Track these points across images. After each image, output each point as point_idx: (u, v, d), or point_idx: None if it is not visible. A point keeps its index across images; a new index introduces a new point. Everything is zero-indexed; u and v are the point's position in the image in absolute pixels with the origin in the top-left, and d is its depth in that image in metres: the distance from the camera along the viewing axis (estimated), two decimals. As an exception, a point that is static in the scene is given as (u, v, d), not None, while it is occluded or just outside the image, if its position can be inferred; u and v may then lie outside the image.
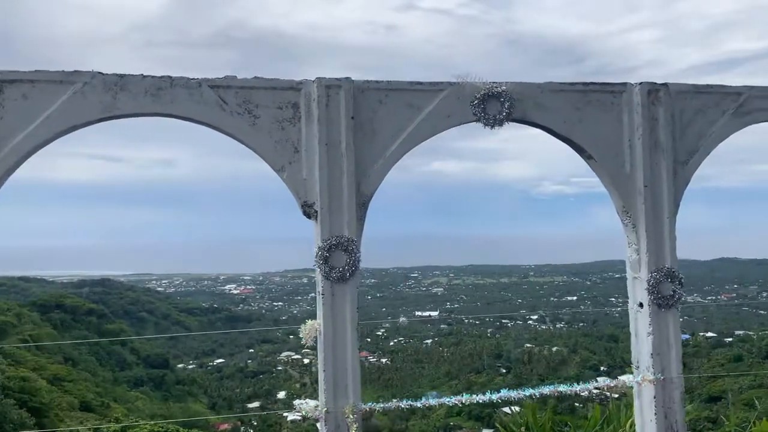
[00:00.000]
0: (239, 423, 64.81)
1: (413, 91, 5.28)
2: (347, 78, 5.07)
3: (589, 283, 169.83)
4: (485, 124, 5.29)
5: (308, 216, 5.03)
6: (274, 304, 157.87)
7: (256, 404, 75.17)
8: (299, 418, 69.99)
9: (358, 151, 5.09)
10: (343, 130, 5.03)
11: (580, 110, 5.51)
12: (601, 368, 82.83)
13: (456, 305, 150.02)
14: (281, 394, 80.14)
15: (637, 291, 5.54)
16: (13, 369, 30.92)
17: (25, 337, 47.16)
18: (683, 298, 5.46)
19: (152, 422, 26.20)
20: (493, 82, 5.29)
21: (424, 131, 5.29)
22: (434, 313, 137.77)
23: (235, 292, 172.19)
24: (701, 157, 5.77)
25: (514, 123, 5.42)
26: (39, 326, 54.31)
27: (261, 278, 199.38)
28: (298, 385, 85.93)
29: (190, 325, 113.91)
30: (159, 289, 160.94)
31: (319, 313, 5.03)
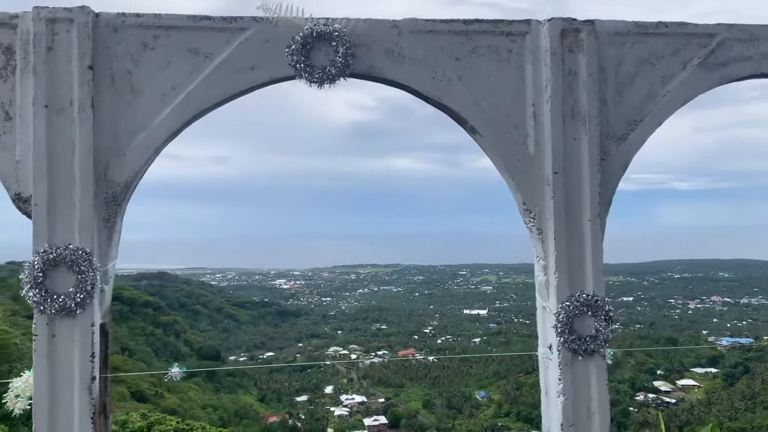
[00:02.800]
0: (287, 415, 65.96)
1: (197, 31, 3.61)
2: (83, 7, 3.48)
3: (646, 283, 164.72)
4: (309, 81, 3.60)
5: (27, 214, 3.48)
6: (323, 299, 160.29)
7: (304, 398, 76.34)
8: (346, 413, 70.59)
9: (105, 118, 3.52)
10: (76, 86, 3.44)
11: (460, 61, 3.86)
12: (658, 372, 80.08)
13: (505, 304, 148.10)
14: (329, 389, 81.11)
15: (548, 327, 3.91)
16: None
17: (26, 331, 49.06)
18: (608, 339, 3.85)
19: (178, 419, 26.66)
20: (322, 18, 3.64)
21: (217, 90, 3.64)
22: (483, 312, 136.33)
23: (285, 286, 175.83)
24: (649, 129, 4.03)
25: (356, 79, 3.81)
26: (98, 317, 56.43)
27: (310, 273, 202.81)
28: (345, 380, 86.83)
29: (242, 318, 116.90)
30: (213, 282, 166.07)
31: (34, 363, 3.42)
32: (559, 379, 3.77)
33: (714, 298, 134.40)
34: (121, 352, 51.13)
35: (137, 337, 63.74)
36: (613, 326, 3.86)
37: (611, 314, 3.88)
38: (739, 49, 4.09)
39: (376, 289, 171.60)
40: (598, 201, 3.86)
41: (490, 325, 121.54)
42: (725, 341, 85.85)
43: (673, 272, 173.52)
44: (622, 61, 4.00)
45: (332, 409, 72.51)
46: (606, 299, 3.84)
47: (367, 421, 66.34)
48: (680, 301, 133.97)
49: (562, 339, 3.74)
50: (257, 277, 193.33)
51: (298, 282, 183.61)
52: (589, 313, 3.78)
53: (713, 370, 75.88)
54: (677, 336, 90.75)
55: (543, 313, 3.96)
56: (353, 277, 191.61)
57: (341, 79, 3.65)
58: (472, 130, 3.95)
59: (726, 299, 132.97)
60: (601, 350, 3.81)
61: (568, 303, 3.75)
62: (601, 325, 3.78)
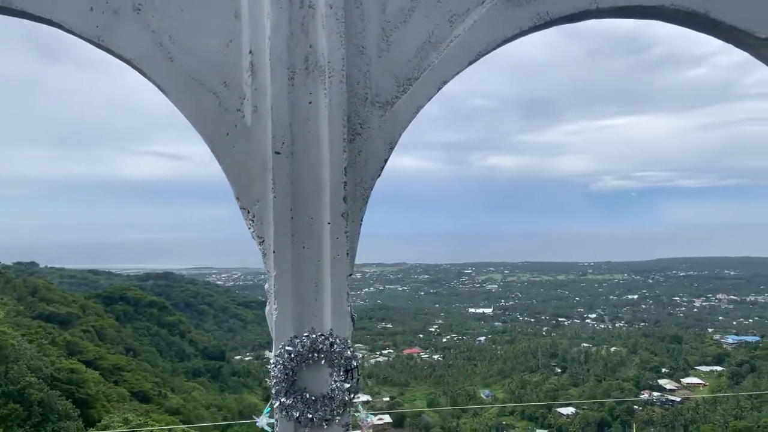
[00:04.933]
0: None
1: None
2: None
3: (651, 281, 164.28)
4: None
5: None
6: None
7: (309, 397, 76.37)
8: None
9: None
10: None
11: None
12: (663, 370, 79.86)
13: (510, 302, 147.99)
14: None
15: None
16: (63, 361, 32.24)
17: (88, 328, 49.41)
18: (351, 401, 2.62)
19: (162, 426, 26.79)
20: None
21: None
22: (488, 310, 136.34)
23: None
24: (428, 90, 2.82)
25: None
26: (102, 317, 56.87)
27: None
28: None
29: (247, 317, 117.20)
30: (219, 282, 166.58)
31: None
32: None
33: (720, 295, 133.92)
34: (126, 352, 51.41)
35: (142, 338, 64.05)
36: (356, 380, 2.61)
37: (355, 362, 2.62)
38: None
39: (381, 288, 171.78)
40: (344, 195, 2.65)
41: (495, 323, 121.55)
42: (731, 339, 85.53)
43: (679, 270, 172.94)
44: None
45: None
46: (348, 341, 2.63)
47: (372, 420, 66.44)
48: (685, 299, 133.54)
49: (279, 402, 2.57)
50: (263, 276, 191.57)
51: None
52: (323, 361, 2.59)
53: (719, 368, 75.61)
54: (682, 334, 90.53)
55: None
56: (359, 276, 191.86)
57: None
58: (160, 89, 2.75)
59: (732, 297, 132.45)
60: (340, 419, 2.60)
61: (289, 348, 2.57)
62: (338, 381, 2.58)
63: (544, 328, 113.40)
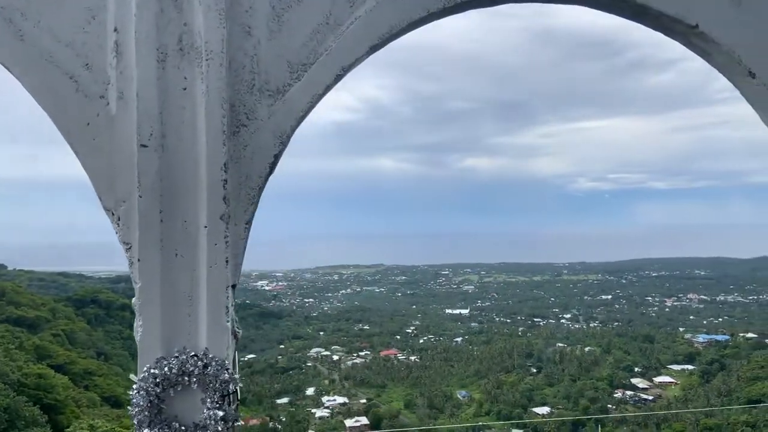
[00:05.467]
0: (268, 418, 65.41)
1: None
2: None
3: (624, 281, 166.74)
4: None
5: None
6: (305, 300, 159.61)
7: (285, 400, 75.81)
8: (328, 414, 70.23)
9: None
10: None
11: None
12: (635, 369, 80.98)
13: (487, 303, 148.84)
14: (310, 390, 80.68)
15: None
16: (31, 366, 31.44)
17: (57, 332, 48.22)
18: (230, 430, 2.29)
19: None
20: None
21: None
22: (465, 311, 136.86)
23: (267, 288, 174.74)
24: (325, 78, 2.49)
25: None
26: (73, 321, 55.58)
27: (292, 275, 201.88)
28: (326, 382, 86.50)
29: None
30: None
31: None
32: None
33: (690, 295, 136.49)
34: (97, 356, 50.29)
35: (114, 341, 62.74)
36: (234, 407, 2.30)
37: (234, 386, 2.29)
38: None
39: (358, 289, 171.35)
40: (225, 195, 2.29)
41: (472, 324, 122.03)
42: (702, 338, 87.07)
43: (651, 270, 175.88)
44: None
45: (313, 410, 72.16)
46: (228, 362, 2.30)
47: (349, 423, 66.11)
48: (657, 299, 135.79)
49: None
50: (244, 278, 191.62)
51: (280, 283, 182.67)
52: (195, 386, 2.26)
53: (690, 367, 76.91)
54: (654, 334, 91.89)
55: None
56: (336, 278, 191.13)
57: None
58: (11, 73, 2.39)
59: (702, 297, 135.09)
60: None
61: (155, 371, 2.26)
62: (212, 408, 2.24)
63: (520, 329, 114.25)
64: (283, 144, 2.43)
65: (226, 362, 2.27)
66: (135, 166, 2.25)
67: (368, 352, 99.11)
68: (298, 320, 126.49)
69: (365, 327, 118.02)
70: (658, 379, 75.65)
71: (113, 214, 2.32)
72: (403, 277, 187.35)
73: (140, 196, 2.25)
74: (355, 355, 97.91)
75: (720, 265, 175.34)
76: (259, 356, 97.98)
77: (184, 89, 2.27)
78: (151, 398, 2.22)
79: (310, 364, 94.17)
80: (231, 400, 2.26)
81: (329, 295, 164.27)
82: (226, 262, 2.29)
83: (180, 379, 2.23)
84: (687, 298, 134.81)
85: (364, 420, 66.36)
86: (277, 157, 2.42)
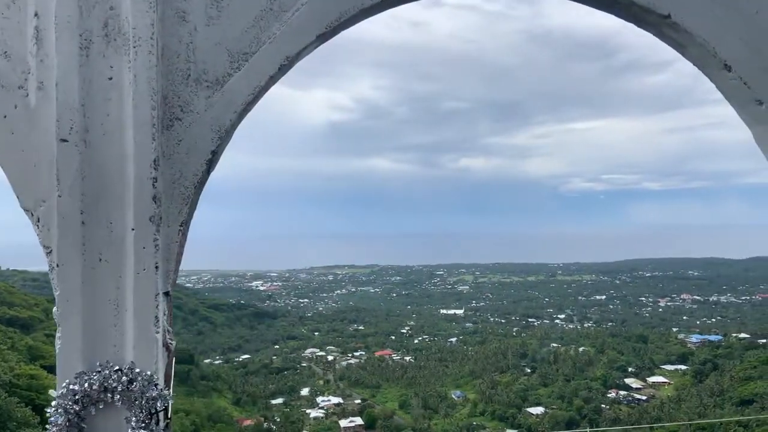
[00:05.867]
0: (262, 419, 65.16)
1: None
2: None
3: (618, 282, 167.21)
4: None
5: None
6: (300, 300, 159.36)
7: (279, 400, 75.57)
8: (322, 415, 70.02)
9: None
10: None
11: None
12: (629, 369, 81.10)
13: (481, 303, 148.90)
14: (305, 391, 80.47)
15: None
16: (23, 366, 31.19)
17: (51, 332, 48.00)
18: None
19: None
20: None
21: None
22: (459, 311, 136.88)
23: (262, 288, 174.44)
24: (268, 68, 2.28)
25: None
26: (65, 321, 55.08)
27: (287, 275, 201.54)
28: (321, 382, 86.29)
29: (217, 320, 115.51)
30: (188, 285, 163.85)
31: None
32: None
33: (684, 296, 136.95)
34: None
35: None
36: (164, 426, 2.09)
37: (163, 403, 2.07)
38: None
39: (353, 289, 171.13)
40: (155, 194, 2.10)
41: (467, 324, 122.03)
42: (695, 338, 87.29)
43: (644, 271, 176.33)
44: None
45: (308, 411, 71.94)
46: (157, 376, 2.10)
47: (343, 423, 65.94)
48: (651, 299, 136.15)
49: None
50: (233, 278, 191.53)
51: (275, 283, 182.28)
52: (119, 403, 2.07)
53: (683, 367, 77.09)
54: (648, 334, 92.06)
55: None
56: (330, 278, 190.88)
57: None
58: None
59: (695, 297, 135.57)
60: None
61: (74, 387, 2.11)
62: (137, 428, 2.04)
63: (515, 329, 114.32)
64: (222, 139, 2.21)
65: (155, 377, 2.06)
66: (54, 163, 2.06)
67: (363, 353, 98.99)
68: (292, 320, 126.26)
69: (360, 327, 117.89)
70: (651, 379, 75.80)
71: (32, 214, 2.12)
72: (398, 278, 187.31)
73: (59, 196, 2.05)
74: (349, 355, 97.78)
75: (713, 266, 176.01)
76: (253, 356, 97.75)
77: (110, 79, 2.07)
78: (70, 417, 2.03)
79: (304, 364, 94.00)
80: (159, 418, 2.04)
81: (324, 295, 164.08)
82: (156, 267, 2.08)
83: (102, 395, 2.04)
84: (680, 299, 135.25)
85: (358, 420, 66.21)
86: (215, 153, 2.21)
